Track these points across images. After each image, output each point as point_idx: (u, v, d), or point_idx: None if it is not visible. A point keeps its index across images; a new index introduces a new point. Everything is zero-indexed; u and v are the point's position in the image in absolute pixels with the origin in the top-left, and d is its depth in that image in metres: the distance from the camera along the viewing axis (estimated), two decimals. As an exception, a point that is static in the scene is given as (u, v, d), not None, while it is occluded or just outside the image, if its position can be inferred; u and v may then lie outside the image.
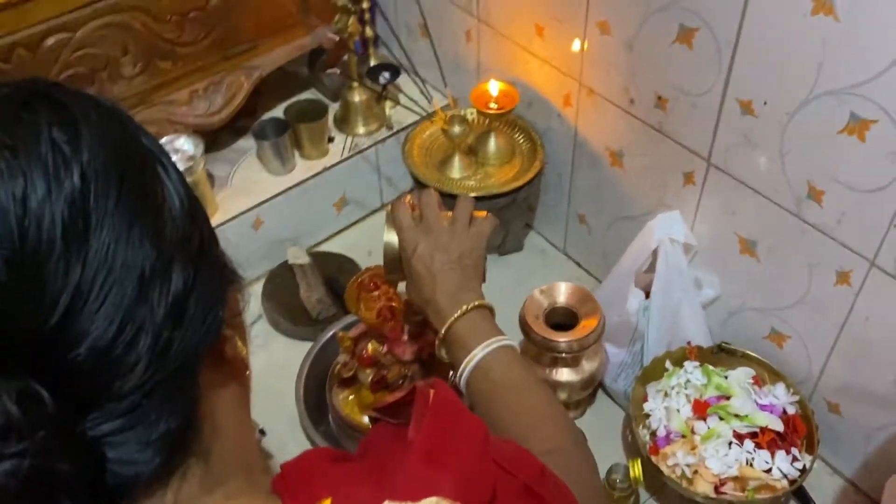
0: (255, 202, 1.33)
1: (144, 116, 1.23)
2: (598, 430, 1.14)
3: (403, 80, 1.43)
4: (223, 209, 1.32)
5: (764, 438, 1.03)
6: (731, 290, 1.15)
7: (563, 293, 1.14)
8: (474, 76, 1.41)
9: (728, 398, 1.07)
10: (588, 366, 1.15)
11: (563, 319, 1.13)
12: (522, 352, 1.07)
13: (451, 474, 0.53)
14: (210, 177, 1.34)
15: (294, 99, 1.48)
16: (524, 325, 1.11)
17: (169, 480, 0.47)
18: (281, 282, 1.35)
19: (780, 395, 1.08)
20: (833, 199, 0.94)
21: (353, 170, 1.43)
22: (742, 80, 0.96)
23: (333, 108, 1.47)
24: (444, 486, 0.51)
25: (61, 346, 0.41)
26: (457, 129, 1.27)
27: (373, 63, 1.45)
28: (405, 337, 1.07)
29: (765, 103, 0.95)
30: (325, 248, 1.45)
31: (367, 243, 1.43)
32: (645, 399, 1.11)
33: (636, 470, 1.03)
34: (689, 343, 1.14)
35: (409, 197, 0.95)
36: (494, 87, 1.28)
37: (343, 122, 1.45)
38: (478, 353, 0.83)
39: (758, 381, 1.10)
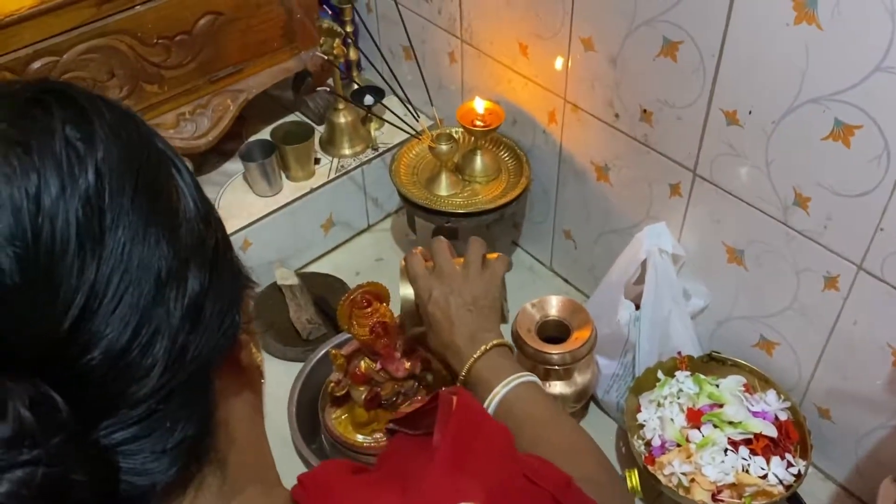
0: (242, 224, 1.33)
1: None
2: (592, 443, 1.14)
3: (390, 100, 1.45)
4: (211, 231, 1.31)
5: (759, 445, 1.03)
6: (720, 300, 1.16)
7: (554, 306, 1.15)
8: (459, 96, 1.42)
9: (721, 406, 1.07)
10: (580, 378, 1.15)
11: (554, 332, 1.14)
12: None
13: (480, 481, 0.52)
14: (197, 199, 1.33)
15: (280, 121, 1.48)
16: (517, 339, 1.11)
17: (185, 490, 0.46)
18: (270, 303, 1.34)
19: (771, 402, 1.09)
20: (819, 205, 0.95)
21: (340, 191, 1.43)
22: (726, 90, 0.98)
23: (319, 130, 1.48)
24: (475, 493, 0.51)
25: (75, 350, 0.39)
26: (444, 146, 1.28)
27: (357, 85, 1.46)
28: (398, 354, 1.07)
29: (750, 112, 0.96)
30: (312, 268, 1.45)
31: (355, 264, 1.43)
32: (638, 409, 1.12)
33: (633, 480, 1.03)
34: (679, 353, 1.15)
35: (420, 249, 0.96)
36: (480, 105, 1.30)
37: (329, 144, 1.46)
38: (500, 391, 0.82)
39: (749, 389, 1.11)
